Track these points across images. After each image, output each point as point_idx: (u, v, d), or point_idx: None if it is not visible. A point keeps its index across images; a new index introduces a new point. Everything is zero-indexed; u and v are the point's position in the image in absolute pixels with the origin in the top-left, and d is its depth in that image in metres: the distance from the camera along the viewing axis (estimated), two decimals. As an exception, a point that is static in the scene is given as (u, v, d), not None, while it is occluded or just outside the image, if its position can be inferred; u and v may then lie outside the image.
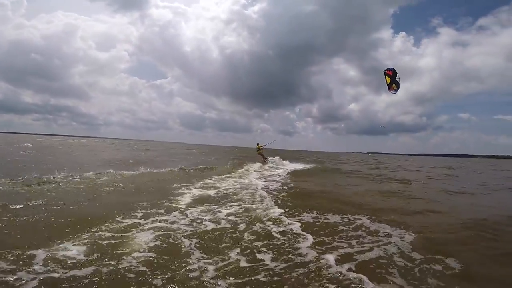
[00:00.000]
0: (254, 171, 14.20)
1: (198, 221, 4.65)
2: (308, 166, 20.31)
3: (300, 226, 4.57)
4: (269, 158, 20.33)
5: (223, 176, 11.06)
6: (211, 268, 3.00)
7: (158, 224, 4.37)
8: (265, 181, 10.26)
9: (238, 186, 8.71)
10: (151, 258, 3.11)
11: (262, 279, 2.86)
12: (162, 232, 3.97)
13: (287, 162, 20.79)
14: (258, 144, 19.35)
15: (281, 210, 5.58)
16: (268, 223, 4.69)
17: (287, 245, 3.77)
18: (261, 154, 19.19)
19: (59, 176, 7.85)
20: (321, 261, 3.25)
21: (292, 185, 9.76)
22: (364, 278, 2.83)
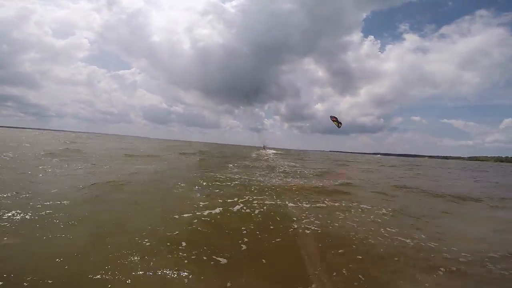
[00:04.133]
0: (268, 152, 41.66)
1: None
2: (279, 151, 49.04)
3: (284, 159, 31.91)
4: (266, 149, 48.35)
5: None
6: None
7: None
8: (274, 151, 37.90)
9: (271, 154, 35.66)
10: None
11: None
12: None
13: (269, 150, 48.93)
14: (263, 144, 47.68)
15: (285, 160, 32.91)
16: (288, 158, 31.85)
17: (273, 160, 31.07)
18: (264, 148, 46.83)
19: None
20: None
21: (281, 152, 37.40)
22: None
